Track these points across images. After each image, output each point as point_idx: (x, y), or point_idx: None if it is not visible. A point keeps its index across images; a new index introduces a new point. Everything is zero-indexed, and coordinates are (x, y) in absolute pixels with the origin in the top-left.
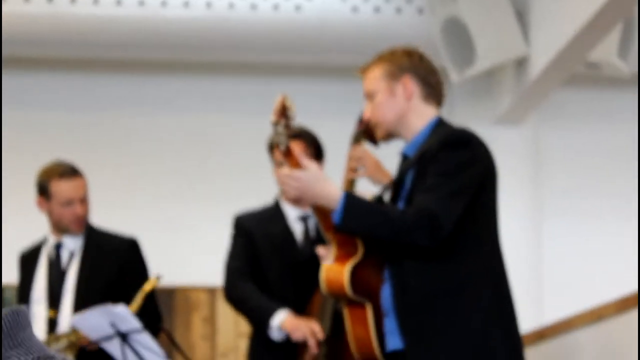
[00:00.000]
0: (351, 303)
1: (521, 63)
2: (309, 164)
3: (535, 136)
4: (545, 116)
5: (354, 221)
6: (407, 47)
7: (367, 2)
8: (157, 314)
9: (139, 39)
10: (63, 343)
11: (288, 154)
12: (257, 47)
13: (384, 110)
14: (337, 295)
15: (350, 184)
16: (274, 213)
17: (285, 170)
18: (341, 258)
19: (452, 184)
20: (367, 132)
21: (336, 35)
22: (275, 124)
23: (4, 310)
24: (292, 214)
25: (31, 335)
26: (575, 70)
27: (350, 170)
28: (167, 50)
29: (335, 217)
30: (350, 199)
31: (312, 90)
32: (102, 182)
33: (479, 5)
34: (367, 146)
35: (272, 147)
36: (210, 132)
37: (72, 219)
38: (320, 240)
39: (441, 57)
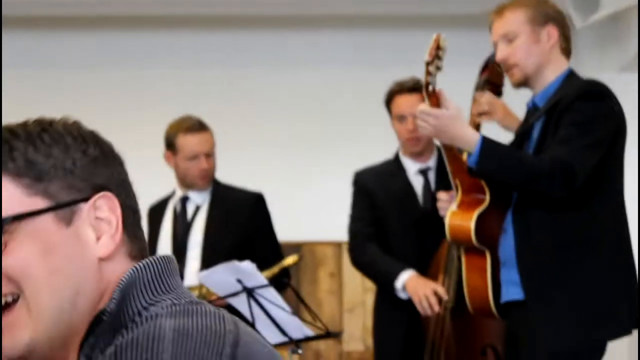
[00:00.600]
0: (470, 250)
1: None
2: (451, 104)
3: None
4: None
5: (490, 164)
6: None
7: None
8: (285, 269)
9: None
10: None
11: (434, 94)
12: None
13: (526, 54)
14: (461, 242)
15: (477, 128)
16: (394, 168)
17: (425, 106)
18: (466, 204)
19: (588, 136)
20: (490, 82)
21: None
22: (429, 63)
23: (154, 257)
24: (412, 168)
25: (180, 284)
26: None
27: (477, 115)
28: (268, 5)
29: (472, 159)
30: (488, 141)
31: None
32: (228, 139)
33: None
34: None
35: (388, 100)
36: (329, 86)
37: (197, 174)
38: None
39: (565, 3)
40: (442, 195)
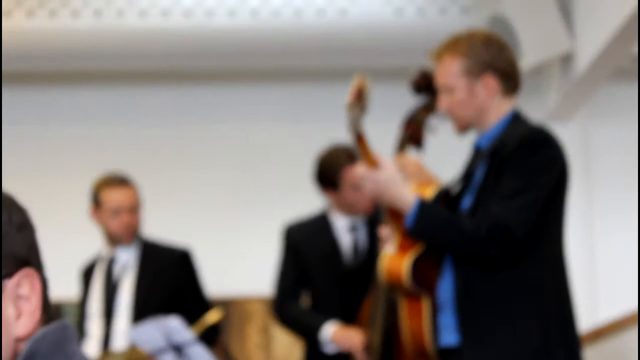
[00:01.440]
0: (408, 295)
1: (567, 59)
2: (386, 164)
3: (584, 132)
4: (594, 112)
5: (425, 228)
6: (485, 35)
7: (410, 3)
8: (214, 326)
9: (185, 49)
10: None
11: (360, 140)
12: (304, 52)
13: (463, 109)
14: (395, 286)
15: None
16: (321, 223)
17: (362, 170)
18: (403, 247)
19: (530, 192)
20: (411, 137)
21: (381, 39)
22: (351, 106)
23: (49, 326)
24: (341, 224)
25: (78, 350)
26: (622, 64)
27: None
28: (214, 59)
29: (408, 222)
30: (424, 205)
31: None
32: (154, 195)
33: (523, 2)
34: (412, 151)
35: (335, 172)
36: (259, 140)
37: (120, 228)
38: (370, 250)
39: None
40: (384, 232)
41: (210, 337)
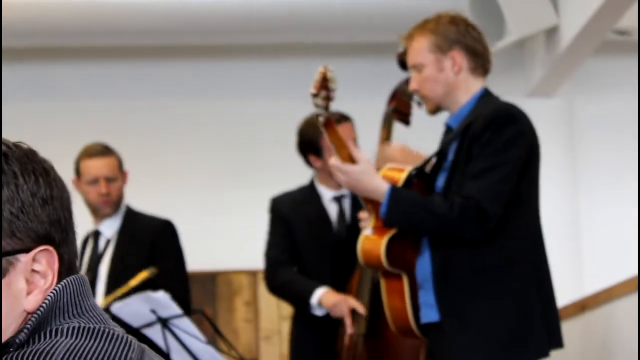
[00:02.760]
0: (387, 274)
1: (551, 33)
2: (360, 157)
3: (568, 107)
4: (578, 86)
5: (399, 215)
6: (452, 14)
7: None
8: (185, 300)
9: (175, 25)
10: None
11: (328, 127)
12: (288, 27)
13: (432, 85)
14: (373, 266)
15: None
16: (309, 194)
17: (335, 161)
18: (379, 229)
19: (499, 169)
20: (397, 112)
21: (365, 13)
22: (315, 95)
23: (67, 279)
24: (327, 195)
25: (95, 305)
26: (606, 38)
27: (379, 169)
28: (200, 35)
29: (381, 211)
30: (395, 193)
31: (342, 70)
32: (141, 169)
33: None
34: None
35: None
36: (245, 115)
37: (97, 198)
38: (355, 220)
39: None
40: (363, 215)
41: (192, 309)
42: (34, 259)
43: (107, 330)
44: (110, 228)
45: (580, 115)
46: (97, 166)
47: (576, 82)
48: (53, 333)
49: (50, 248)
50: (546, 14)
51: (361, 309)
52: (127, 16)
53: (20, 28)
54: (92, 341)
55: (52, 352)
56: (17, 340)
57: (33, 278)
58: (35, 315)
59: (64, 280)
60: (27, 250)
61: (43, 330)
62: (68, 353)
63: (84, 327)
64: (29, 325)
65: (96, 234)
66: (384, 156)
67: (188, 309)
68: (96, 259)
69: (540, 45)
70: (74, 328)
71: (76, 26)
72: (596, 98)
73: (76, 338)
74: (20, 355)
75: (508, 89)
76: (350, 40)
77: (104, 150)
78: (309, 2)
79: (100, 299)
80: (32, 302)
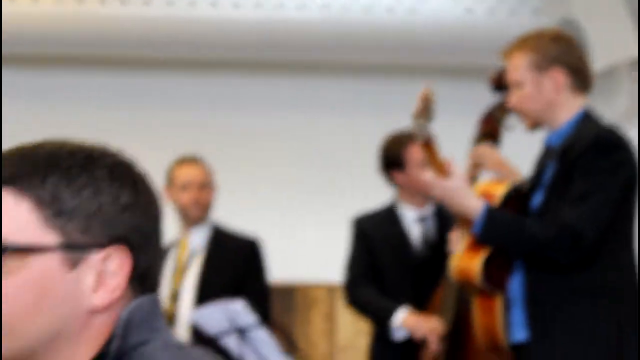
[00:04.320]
0: (481, 293)
1: (637, 63)
2: (455, 172)
3: None
4: None
5: (493, 235)
6: (554, 32)
7: (481, 3)
8: (266, 316)
9: (253, 39)
10: None
11: (427, 147)
12: (374, 48)
13: (531, 103)
14: (467, 285)
15: (472, 180)
16: (390, 215)
17: (430, 176)
18: (473, 247)
19: (600, 194)
20: (488, 134)
21: (450, 37)
22: (416, 117)
23: (143, 298)
24: (410, 216)
25: (165, 325)
26: None
27: (472, 167)
28: (283, 50)
29: (475, 230)
30: (491, 213)
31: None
32: (222, 179)
33: (594, 5)
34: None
35: (400, 149)
36: (329, 132)
37: (189, 202)
38: (439, 240)
39: None
40: (454, 236)
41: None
42: (105, 258)
43: (188, 348)
44: (197, 240)
45: None
46: (190, 172)
47: None
48: (142, 349)
49: (124, 249)
50: (632, 44)
51: (442, 329)
52: (205, 30)
53: (25, 35)
54: (185, 356)
55: None
56: (113, 349)
57: (103, 276)
58: (121, 324)
59: (140, 299)
60: (99, 247)
61: (128, 343)
62: None
63: (171, 344)
64: (118, 332)
65: (178, 244)
66: (475, 154)
67: (269, 325)
68: (181, 269)
69: (625, 74)
70: (163, 344)
71: (133, 36)
72: None
73: (171, 352)
74: None
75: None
76: (434, 63)
77: (197, 159)
78: (393, 25)
79: (184, 310)
80: (99, 300)
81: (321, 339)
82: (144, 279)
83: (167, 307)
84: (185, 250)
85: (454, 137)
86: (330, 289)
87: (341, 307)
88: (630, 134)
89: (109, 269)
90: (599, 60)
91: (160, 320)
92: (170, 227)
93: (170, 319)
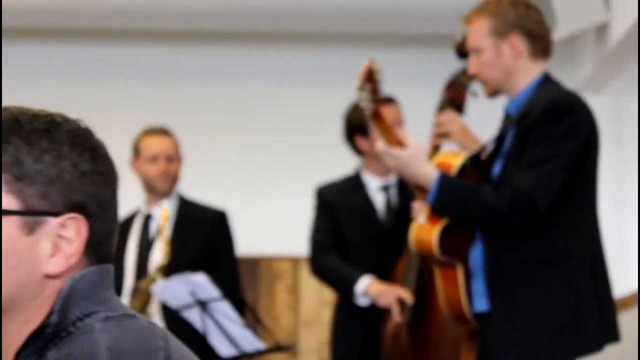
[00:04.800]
0: (442, 263)
1: (601, 29)
2: (410, 141)
3: (616, 104)
4: (627, 83)
5: (447, 203)
6: None
7: None
8: (236, 288)
9: (226, 8)
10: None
11: (376, 118)
12: (338, 17)
13: (491, 69)
14: (426, 255)
15: (435, 149)
16: (354, 184)
17: (383, 145)
18: (433, 217)
19: (553, 160)
20: (452, 100)
21: (417, 4)
22: (360, 89)
23: (90, 268)
24: (374, 184)
25: (113, 295)
26: None
27: (436, 136)
28: (253, 20)
29: (430, 198)
30: (445, 181)
31: (392, 60)
32: (189, 154)
33: None
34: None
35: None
36: (292, 104)
37: (157, 174)
38: (402, 209)
39: None
40: (416, 205)
41: (238, 298)
42: (62, 225)
43: (133, 320)
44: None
45: (628, 111)
46: (158, 144)
47: (625, 79)
48: (85, 329)
49: (81, 217)
50: (597, 10)
51: (409, 298)
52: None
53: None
54: (126, 334)
55: (97, 354)
56: (52, 322)
57: (59, 243)
58: (61, 296)
59: (87, 269)
60: (56, 214)
61: (67, 314)
62: (111, 352)
63: (114, 319)
64: (57, 308)
65: (147, 218)
66: (441, 121)
67: (239, 298)
68: (147, 243)
69: (590, 41)
70: (105, 320)
71: (124, 6)
72: None
73: (111, 332)
74: (65, 358)
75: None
76: (398, 30)
77: (165, 131)
78: None
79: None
80: (55, 266)
81: (285, 312)
82: (100, 247)
83: (133, 281)
84: (150, 223)
85: (423, 105)
86: (294, 262)
87: (305, 279)
88: (593, 101)
89: (65, 235)
90: (563, 26)
91: (108, 290)
92: (131, 197)
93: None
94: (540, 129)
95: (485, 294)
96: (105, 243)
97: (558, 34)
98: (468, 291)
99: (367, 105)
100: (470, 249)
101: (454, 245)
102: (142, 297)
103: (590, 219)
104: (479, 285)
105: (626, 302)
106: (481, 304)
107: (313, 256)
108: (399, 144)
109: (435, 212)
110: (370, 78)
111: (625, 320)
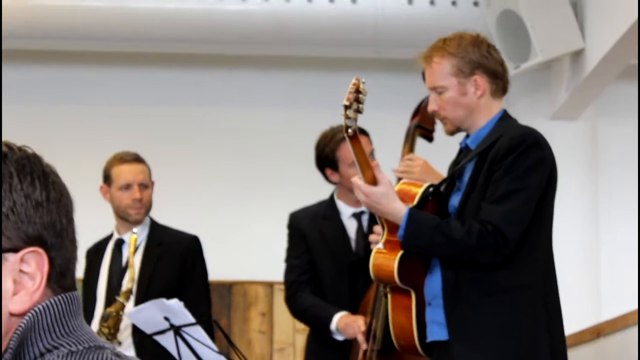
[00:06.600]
0: (395, 290)
1: (577, 56)
2: (382, 179)
3: (592, 131)
4: (602, 110)
5: (416, 241)
6: (474, 35)
7: None
8: (208, 315)
9: (197, 33)
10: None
11: (355, 140)
12: (313, 40)
13: (454, 108)
14: (384, 281)
15: (398, 180)
16: (328, 210)
17: (358, 180)
18: (391, 244)
19: (520, 194)
20: (421, 127)
21: (391, 28)
22: (347, 107)
23: (56, 297)
24: (346, 211)
25: (82, 324)
26: (632, 62)
27: (399, 172)
28: (222, 45)
29: (399, 234)
30: (414, 218)
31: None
32: (161, 178)
33: None
34: (420, 141)
35: (335, 147)
36: (266, 129)
37: (130, 203)
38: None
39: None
40: (377, 229)
41: (212, 322)
42: (22, 260)
43: (98, 353)
44: (138, 238)
45: (603, 137)
46: (131, 171)
47: (600, 106)
48: (44, 359)
49: (40, 250)
50: (573, 38)
51: (364, 327)
52: (150, 24)
53: (25, 29)
54: None
55: None
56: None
57: (21, 279)
58: (17, 332)
59: (52, 298)
60: (15, 250)
61: (28, 350)
62: None
63: (76, 352)
64: (12, 345)
65: (118, 243)
66: (407, 163)
67: (210, 324)
68: (120, 269)
69: (566, 68)
70: (67, 356)
71: (100, 31)
72: (619, 121)
73: None
74: None
75: (532, 111)
76: (374, 55)
77: (138, 158)
78: (332, 16)
79: (128, 308)
80: (18, 304)
81: (259, 338)
82: (62, 277)
83: (104, 307)
84: (122, 249)
85: (394, 130)
86: (268, 287)
87: (279, 305)
88: (568, 127)
89: (26, 270)
90: (540, 53)
91: (75, 320)
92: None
93: (117, 319)
94: (508, 162)
95: (443, 322)
96: (67, 272)
97: (534, 61)
98: (419, 321)
99: (350, 123)
100: (425, 277)
101: (411, 272)
102: (111, 323)
103: (546, 252)
104: (435, 314)
105: (597, 330)
106: (437, 332)
107: (289, 296)
108: (371, 174)
109: (405, 248)
110: (357, 97)
111: (584, 354)
